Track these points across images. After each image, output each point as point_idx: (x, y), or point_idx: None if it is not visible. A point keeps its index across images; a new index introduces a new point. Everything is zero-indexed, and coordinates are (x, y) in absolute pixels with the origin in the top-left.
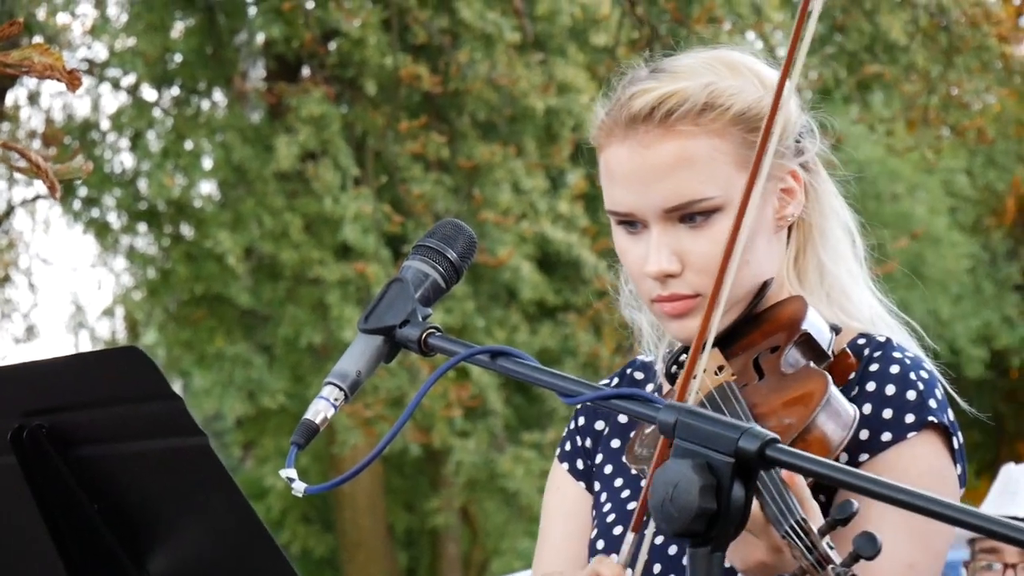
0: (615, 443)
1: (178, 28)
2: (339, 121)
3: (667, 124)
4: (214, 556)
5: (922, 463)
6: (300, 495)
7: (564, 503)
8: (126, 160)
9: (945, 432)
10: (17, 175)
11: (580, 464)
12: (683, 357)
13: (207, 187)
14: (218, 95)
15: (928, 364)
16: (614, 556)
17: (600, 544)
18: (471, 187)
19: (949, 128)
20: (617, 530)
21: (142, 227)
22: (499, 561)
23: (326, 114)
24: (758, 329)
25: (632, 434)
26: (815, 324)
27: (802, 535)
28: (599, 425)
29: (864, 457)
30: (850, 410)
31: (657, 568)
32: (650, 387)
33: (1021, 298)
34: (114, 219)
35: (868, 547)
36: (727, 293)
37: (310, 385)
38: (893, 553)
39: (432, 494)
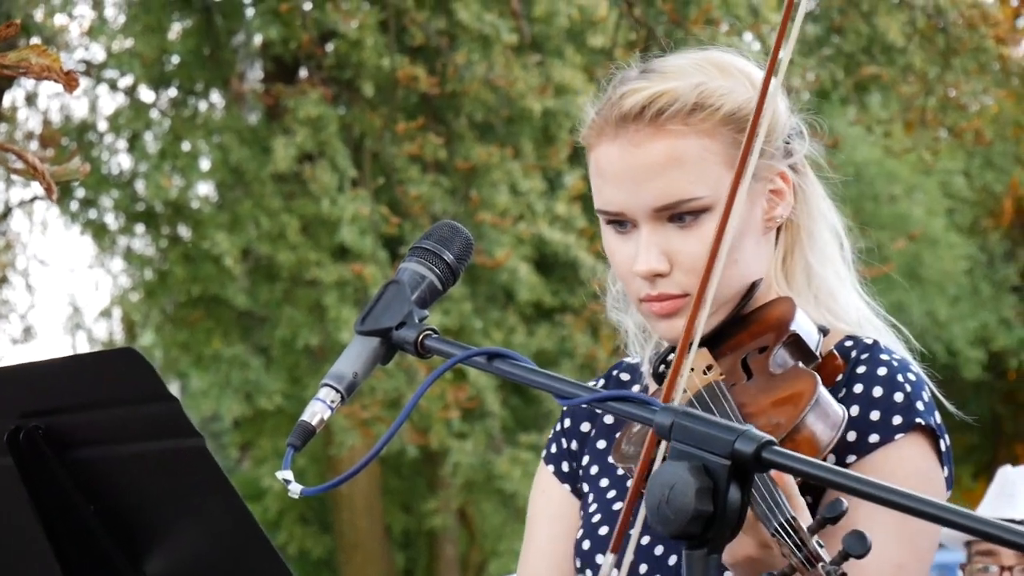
0: (601, 444)
1: (175, 29)
2: (336, 122)
3: (657, 123)
4: (210, 558)
5: (909, 465)
6: (296, 497)
7: (549, 505)
8: (123, 161)
9: (932, 434)
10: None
11: (565, 466)
12: (670, 356)
13: (204, 188)
14: (215, 96)
15: (915, 366)
16: (599, 556)
17: (586, 544)
18: (468, 188)
19: (947, 129)
20: (603, 530)
21: (139, 228)
22: (496, 562)
23: (323, 115)
24: (746, 330)
25: (618, 435)
26: (803, 325)
27: (791, 532)
28: (585, 427)
29: (851, 458)
30: (839, 411)
31: (643, 568)
32: (636, 388)
33: (1018, 299)
34: (111, 220)
35: (858, 545)
36: (713, 292)
37: (307, 386)
38: (882, 554)
39: (429, 495)
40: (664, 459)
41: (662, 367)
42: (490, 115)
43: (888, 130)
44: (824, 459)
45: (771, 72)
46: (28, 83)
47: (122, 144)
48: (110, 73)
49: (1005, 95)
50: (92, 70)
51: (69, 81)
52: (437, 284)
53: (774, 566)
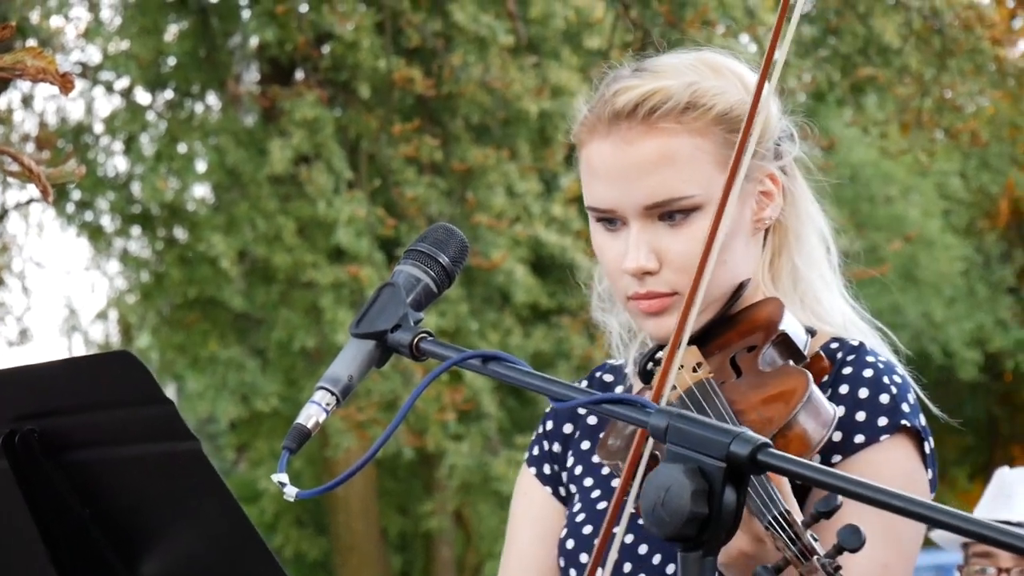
0: (585, 444)
1: (171, 31)
2: (332, 124)
3: (650, 121)
4: (206, 560)
5: (895, 466)
6: (292, 499)
7: (531, 508)
8: (119, 163)
9: (917, 436)
10: (10, 179)
11: (547, 469)
12: (659, 354)
13: (200, 190)
14: (212, 98)
15: (901, 369)
16: (583, 556)
17: (570, 544)
18: (464, 190)
19: (943, 131)
20: (587, 529)
21: (135, 230)
22: (493, 564)
23: (319, 117)
24: (733, 329)
25: (602, 434)
26: (792, 326)
27: (785, 526)
28: (567, 428)
29: (837, 458)
30: (830, 409)
31: (627, 568)
32: (619, 389)
33: (1015, 301)
34: (107, 222)
35: (852, 539)
36: (704, 288)
37: (303, 388)
38: (869, 554)
39: (426, 497)
40: (652, 456)
41: (650, 365)
42: (486, 117)
43: (884, 131)
44: (811, 458)
45: (766, 70)
46: (24, 85)
47: (118, 146)
48: (106, 75)
49: (1001, 96)
50: (88, 72)
51: (65, 83)
52: (432, 287)
53: (768, 561)
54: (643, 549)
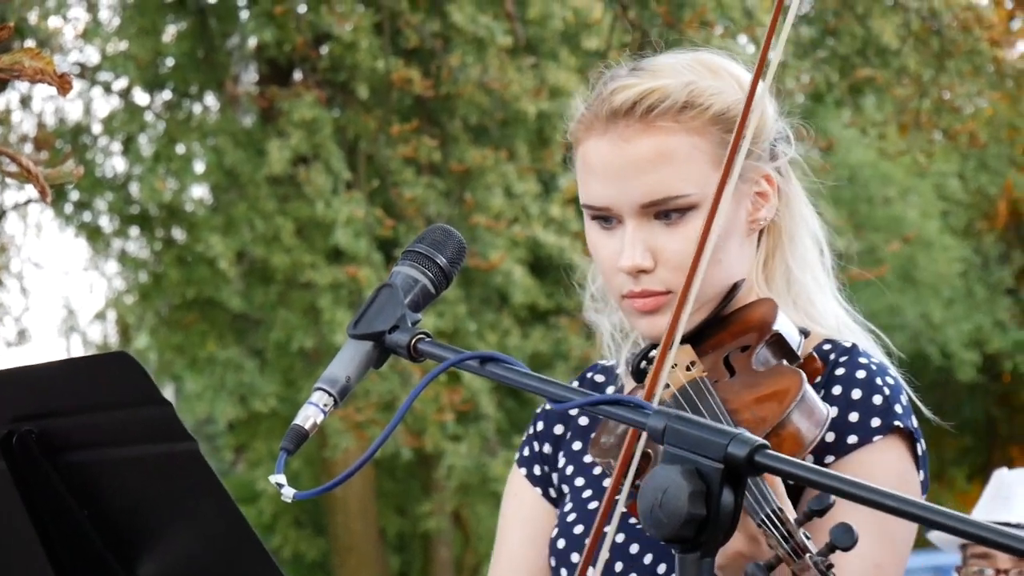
0: (576, 445)
1: (170, 32)
2: (331, 125)
3: (648, 119)
4: (203, 561)
5: (888, 467)
6: (289, 501)
7: (521, 509)
8: (118, 164)
9: (910, 438)
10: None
11: (537, 470)
12: (652, 353)
13: (199, 191)
14: (210, 99)
15: (893, 371)
16: (574, 555)
17: (561, 543)
18: (463, 191)
19: (941, 132)
20: (578, 529)
21: (134, 231)
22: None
23: (318, 118)
24: (726, 329)
25: (593, 434)
26: (785, 326)
27: (778, 524)
28: (558, 429)
29: (830, 459)
30: (823, 409)
31: (619, 567)
32: (611, 390)
33: (1013, 302)
34: (106, 223)
35: (845, 538)
36: (698, 287)
37: (302, 389)
38: (862, 554)
39: (424, 498)
40: (644, 454)
41: (643, 363)
42: (484, 117)
43: (883, 132)
44: (804, 457)
45: (760, 70)
46: (22, 86)
47: (116, 147)
48: (104, 76)
49: (999, 97)
50: (86, 73)
51: (63, 84)
52: (430, 288)
53: (760, 558)
54: (634, 548)
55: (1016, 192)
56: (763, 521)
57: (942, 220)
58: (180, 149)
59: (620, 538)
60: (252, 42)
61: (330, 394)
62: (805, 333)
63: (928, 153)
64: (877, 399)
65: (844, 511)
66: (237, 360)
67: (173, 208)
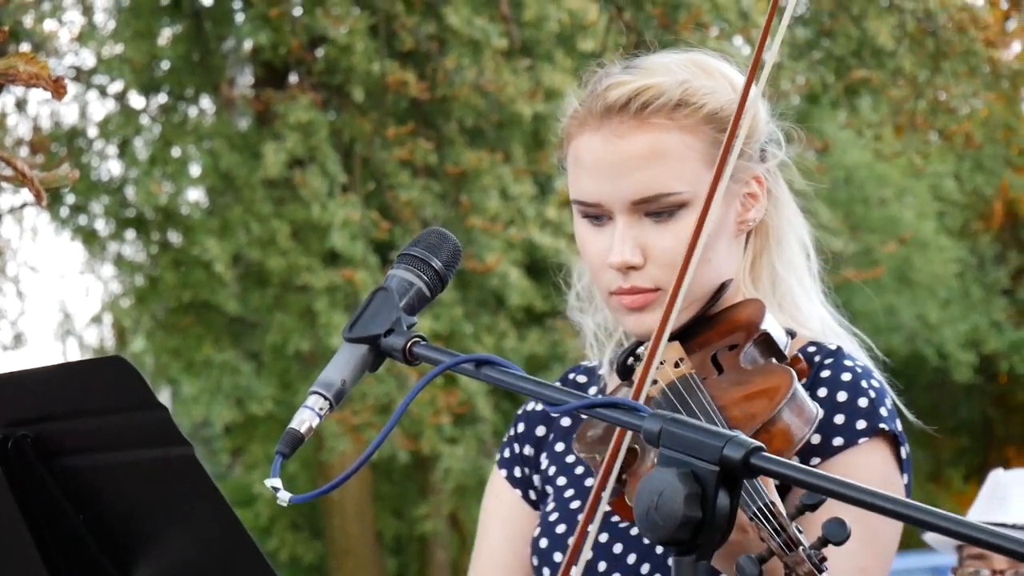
0: (559, 447)
1: (165, 35)
2: (326, 128)
3: (642, 116)
4: (199, 565)
5: (872, 469)
6: (285, 504)
7: (500, 510)
8: (113, 167)
9: (894, 441)
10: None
11: (518, 472)
12: (640, 350)
13: (195, 194)
14: (205, 102)
15: (878, 374)
16: (557, 555)
17: (543, 543)
18: (459, 193)
19: (937, 133)
20: (560, 529)
21: (130, 234)
22: None
23: (313, 121)
24: (714, 329)
25: (577, 431)
26: (773, 326)
27: (770, 517)
28: (540, 431)
29: (815, 461)
30: (813, 407)
31: (602, 566)
32: (593, 390)
33: (1009, 302)
34: (102, 226)
35: (838, 532)
36: (688, 283)
37: (298, 392)
38: (848, 557)
39: (421, 501)
40: (630, 450)
41: (630, 360)
42: (480, 120)
43: (878, 133)
44: (791, 456)
45: (754, 71)
46: (18, 89)
47: (112, 150)
48: (100, 79)
49: (995, 98)
50: (82, 76)
51: (57, 88)
52: (425, 291)
53: (750, 550)
54: (618, 548)
55: (1012, 193)
56: (755, 514)
57: (938, 221)
58: (176, 152)
59: (604, 537)
60: (247, 45)
61: (326, 398)
62: (791, 334)
63: (924, 154)
64: (863, 402)
65: (831, 513)
66: (233, 363)
67: (169, 211)
